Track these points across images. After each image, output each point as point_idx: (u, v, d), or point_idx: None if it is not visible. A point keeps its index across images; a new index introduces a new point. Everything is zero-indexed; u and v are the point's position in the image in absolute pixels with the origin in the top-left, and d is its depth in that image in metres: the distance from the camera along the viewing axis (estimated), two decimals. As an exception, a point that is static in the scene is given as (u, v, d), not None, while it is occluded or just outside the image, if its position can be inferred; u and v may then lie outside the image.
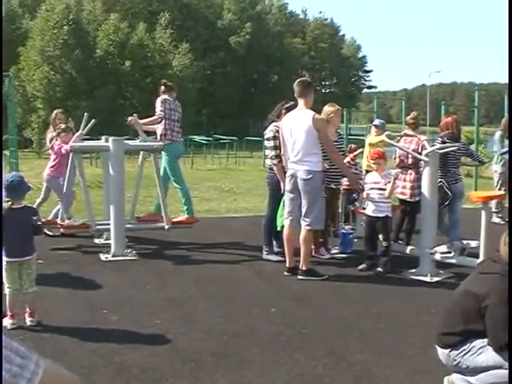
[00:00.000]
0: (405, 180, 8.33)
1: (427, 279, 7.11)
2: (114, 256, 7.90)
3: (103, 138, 8.85)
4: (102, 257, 7.91)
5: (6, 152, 12.21)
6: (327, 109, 8.06)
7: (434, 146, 7.77)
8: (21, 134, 34.27)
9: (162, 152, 8.81)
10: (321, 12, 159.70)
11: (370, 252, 7.58)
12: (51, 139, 9.24)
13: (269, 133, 7.80)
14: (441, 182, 7.87)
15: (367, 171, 8.86)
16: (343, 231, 8.56)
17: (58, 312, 5.76)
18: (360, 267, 7.51)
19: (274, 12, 71.34)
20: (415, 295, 6.55)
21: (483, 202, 6.89)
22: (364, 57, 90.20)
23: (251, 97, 63.31)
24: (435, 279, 7.12)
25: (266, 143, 7.91)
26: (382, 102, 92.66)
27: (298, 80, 7.38)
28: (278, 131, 7.49)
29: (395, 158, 8.59)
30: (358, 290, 6.67)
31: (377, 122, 10.39)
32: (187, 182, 9.50)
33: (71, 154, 8.35)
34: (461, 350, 3.85)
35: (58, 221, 8.74)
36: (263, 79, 66.77)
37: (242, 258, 8.09)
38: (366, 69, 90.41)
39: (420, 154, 7.65)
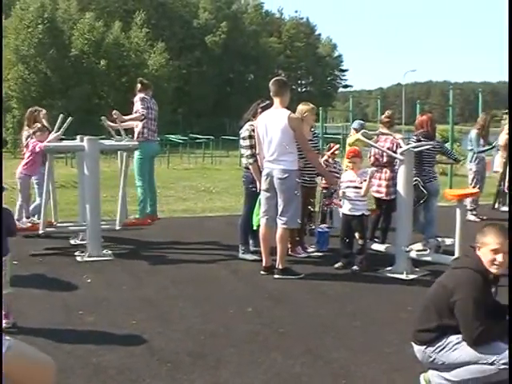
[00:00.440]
0: (380, 178, 8.38)
1: (403, 277, 7.15)
2: (89, 256, 7.83)
3: (78, 137, 8.76)
4: (78, 257, 7.86)
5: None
6: (301, 107, 8.06)
7: (409, 144, 7.81)
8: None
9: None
10: (297, 11, 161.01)
11: (346, 250, 7.61)
12: (27, 137, 9.17)
13: (244, 132, 7.78)
14: (416, 180, 7.92)
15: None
16: (319, 230, 8.58)
17: (34, 313, 5.70)
18: (336, 265, 7.53)
19: (249, 11, 71.55)
20: (391, 293, 6.58)
21: (458, 200, 6.95)
22: (340, 56, 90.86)
23: (227, 96, 63.36)
24: (411, 277, 7.16)
25: (242, 142, 7.88)
26: (358, 100, 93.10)
27: (274, 79, 7.37)
28: (253, 130, 7.47)
29: (370, 157, 8.63)
30: (335, 289, 6.68)
31: (355, 124, 10.34)
32: (163, 181, 9.51)
33: (48, 155, 8.25)
34: (436, 346, 3.86)
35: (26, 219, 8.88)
36: (239, 78, 66.89)
37: (219, 257, 8.07)
38: (342, 68, 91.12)
39: (395, 152, 7.69)
